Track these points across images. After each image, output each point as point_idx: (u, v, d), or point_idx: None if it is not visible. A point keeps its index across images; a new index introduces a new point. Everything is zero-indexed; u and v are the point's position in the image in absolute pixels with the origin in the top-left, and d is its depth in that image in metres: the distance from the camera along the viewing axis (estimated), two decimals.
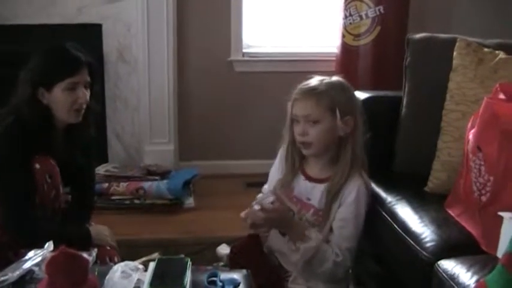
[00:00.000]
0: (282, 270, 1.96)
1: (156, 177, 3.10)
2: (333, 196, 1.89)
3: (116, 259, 2.04)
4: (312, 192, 1.94)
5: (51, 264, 1.08)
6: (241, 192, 3.33)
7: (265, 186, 2.13)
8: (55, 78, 1.90)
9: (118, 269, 1.42)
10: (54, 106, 1.93)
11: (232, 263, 1.95)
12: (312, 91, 1.89)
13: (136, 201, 2.99)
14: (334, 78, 1.96)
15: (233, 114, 3.59)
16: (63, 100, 1.91)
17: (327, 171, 1.95)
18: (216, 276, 1.53)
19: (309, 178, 1.97)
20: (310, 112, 1.88)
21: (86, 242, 1.95)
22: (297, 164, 1.99)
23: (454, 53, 2.08)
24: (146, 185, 3.03)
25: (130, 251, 2.10)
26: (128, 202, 2.99)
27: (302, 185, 1.98)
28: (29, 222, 1.87)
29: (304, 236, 1.85)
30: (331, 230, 1.90)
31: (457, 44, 2.09)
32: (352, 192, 1.89)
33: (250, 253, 1.97)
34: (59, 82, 1.90)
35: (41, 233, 1.83)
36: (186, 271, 1.38)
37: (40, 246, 1.47)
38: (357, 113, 1.93)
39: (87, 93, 1.96)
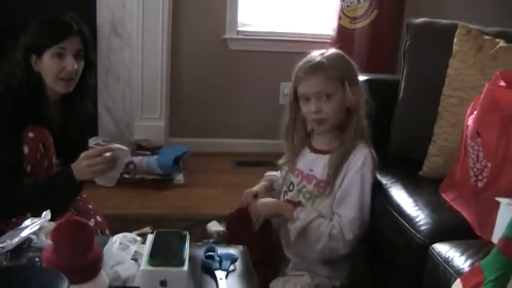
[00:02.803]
0: (281, 253, 1.98)
1: (147, 152, 3.09)
2: (336, 167, 1.87)
3: (106, 231, 2.03)
4: (315, 163, 1.93)
5: (56, 231, 1.07)
6: (231, 171, 3.35)
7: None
8: (44, 44, 1.88)
9: (116, 240, 1.41)
10: (44, 74, 1.90)
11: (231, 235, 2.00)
12: (318, 66, 1.86)
13: (126, 176, 2.97)
14: (332, 50, 1.95)
15: (226, 92, 3.57)
16: (50, 66, 1.88)
17: (332, 143, 1.92)
18: (213, 251, 1.54)
19: (314, 150, 1.96)
20: (322, 88, 1.85)
21: (73, 183, 1.88)
22: (304, 140, 1.98)
23: (455, 39, 2.08)
24: (136, 159, 3.02)
25: (119, 225, 2.08)
26: None
27: (307, 158, 1.97)
28: (7, 197, 1.83)
29: (293, 217, 1.86)
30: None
31: (458, 30, 2.09)
32: (359, 161, 1.86)
33: (242, 227, 1.97)
34: (48, 48, 1.87)
35: (21, 206, 1.82)
36: (185, 244, 1.37)
37: (37, 215, 1.45)
38: (360, 82, 1.93)
39: (78, 64, 1.91)
